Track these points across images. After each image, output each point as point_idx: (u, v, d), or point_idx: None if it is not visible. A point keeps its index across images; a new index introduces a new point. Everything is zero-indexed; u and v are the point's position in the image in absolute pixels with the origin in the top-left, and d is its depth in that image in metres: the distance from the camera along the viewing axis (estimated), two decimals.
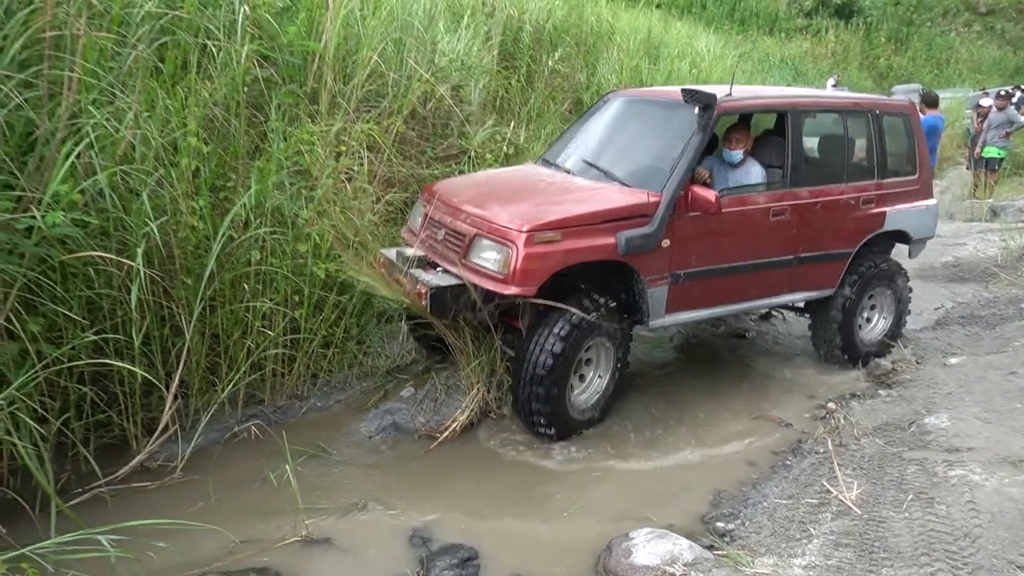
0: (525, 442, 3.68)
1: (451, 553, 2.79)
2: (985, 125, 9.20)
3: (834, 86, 23.16)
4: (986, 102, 9.56)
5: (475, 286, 3.47)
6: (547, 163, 4.52)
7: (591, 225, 3.51)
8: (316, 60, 4.86)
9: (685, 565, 2.47)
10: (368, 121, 5.11)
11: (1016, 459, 3.02)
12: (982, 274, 6.55)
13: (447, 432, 3.72)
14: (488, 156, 6.17)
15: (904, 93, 21.46)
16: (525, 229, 3.35)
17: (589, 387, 3.81)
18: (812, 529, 2.68)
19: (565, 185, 3.98)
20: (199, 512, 2.99)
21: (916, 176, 4.69)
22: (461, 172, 5.82)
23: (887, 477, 3.09)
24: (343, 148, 4.63)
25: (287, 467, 3.04)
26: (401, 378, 4.34)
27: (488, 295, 3.47)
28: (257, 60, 4.41)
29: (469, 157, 6.04)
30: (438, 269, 3.72)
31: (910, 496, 2.85)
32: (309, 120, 4.68)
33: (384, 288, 3.83)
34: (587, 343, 3.61)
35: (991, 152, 9.13)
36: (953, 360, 4.65)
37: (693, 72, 11.29)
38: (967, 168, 9.89)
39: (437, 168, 5.94)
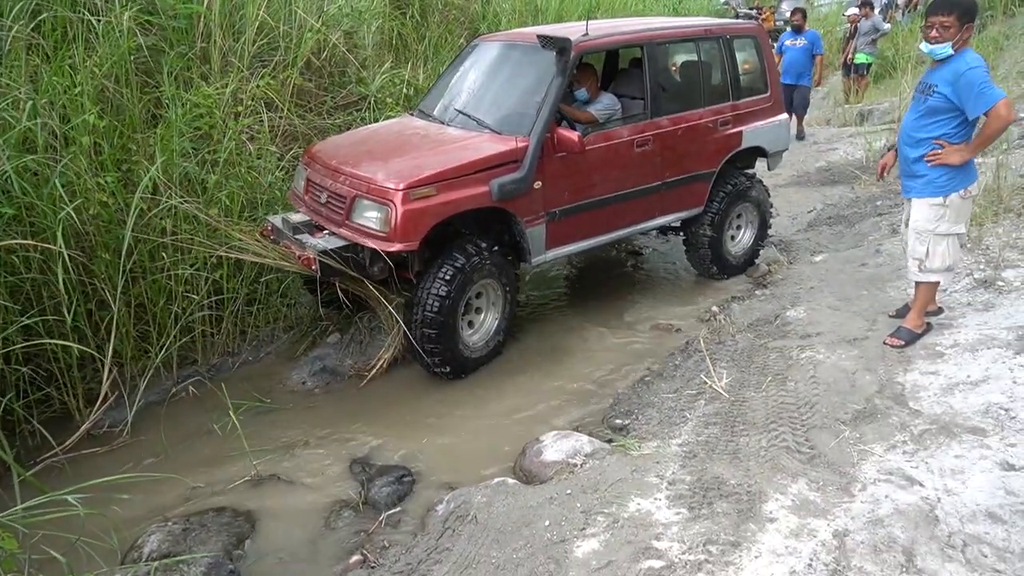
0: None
1: (388, 473, 3.19)
2: (854, 33, 9.87)
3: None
4: (852, 11, 10.19)
5: (361, 246, 3.67)
6: (422, 113, 4.66)
7: (465, 176, 3.70)
8: (202, 20, 4.84)
9: (585, 456, 2.95)
10: (263, 77, 5.15)
11: (852, 338, 3.63)
12: (849, 176, 7.25)
13: (375, 370, 4.06)
14: (389, 100, 6.25)
15: (791, 3, 22.21)
16: (401, 187, 3.52)
17: (482, 327, 4.13)
18: (689, 415, 3.21)
19: (438, 137, 4.14)
20: (152, 467, 3.27)
21: (768, 94, 5.12)
22: (363, 120, 5.92)
23: (753, 365, 3.65)
24: (240, 108, 4.71)
25: (231, 416, 3.32)
26: (326, 325, 4.62)
27: (375, 253, 3.67)
28: (140, 27, 4.40)
29: (370, 103, 6.14)
30: (324, 232, 3.88)
31: (769, 378, 3.42)
32: (203, 82, 4.72)
33: (275, 256, 3.93)
34: (474, 285, 3.91)
35: (860, 58, 9.83)
36: (818, 258, 5.29)
37: None
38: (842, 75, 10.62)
39: (339, 117, 6.02)
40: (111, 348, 3.51)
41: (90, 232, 3.66)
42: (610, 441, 3.24)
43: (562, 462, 2.96)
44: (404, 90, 6.42)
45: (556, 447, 3.08)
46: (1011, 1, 10.40)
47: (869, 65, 9.95)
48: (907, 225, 3.48)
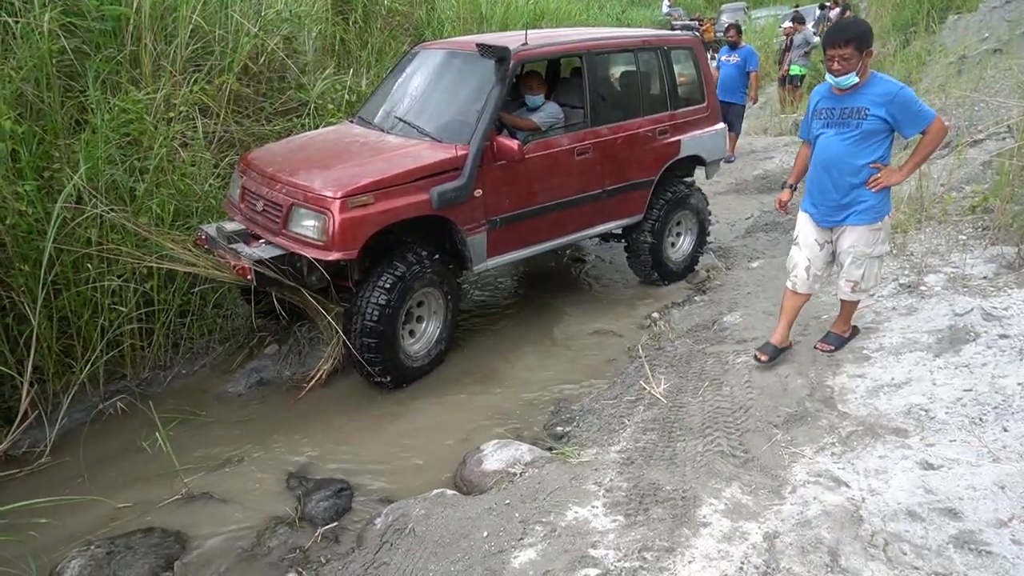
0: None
1: (325, 487, 3.12)
2: (790, 45, 10.22)
3: (668, 8, 24.21)
4: (787, 24, 10.55)
5: (298, 255, 3.59)
6: (362, 120, 4.62)
7: (404, 184, 3.67)
8: (131, 22, 4.68)
9: (525, 464, 2.95)
10: (197, 82, 5.01)
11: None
12: (784, 184, 7.47)
13: (313, 381, 3.97)
14: (330, 106, 6.17)
15: (731, 11, 22.88)
16: (339, 195, 3.47)
17: (423, 336, 4.10)
18: (628, 421, 3.25)
19: (377, 145, 4.08)
20: (75, 489, 3.12)
21: (704, 104, 5.24)
22: (303, 126, 5.82)
23: (691, 370, 3.72)
24: (172, 114, 4.57)
25: (158, 433, 3.20)
26: (263, 336, 4.51)
27: (313, 262, 3.59)
28: (63, 29, 4.23)
29: (310, 109, 6.04)
30: (261, 241, 3.80)
31: (706, 383, 3.49)
32: (133, 87, 4.56)
33: (208, 266, 3.85)
34: (414, 293, 3.87)
35: (794, 70, 10.17)
36: (754, 264, 5.43)
37: (530, 4, 11.52)
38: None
39: (278, 123, 5.91)
40: (30, 364, 3.36)
41: (6, 243, 3.49)
42: (551, 449, 3.25)
43: (502, 471, 2.95)
44: (346, 96, 6.34)
45: (496, 456, 3.07)
46: (932, 18, 10.92)
47: (803, 77, 10.29)
48: (815, 246, 3.42)
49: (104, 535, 2.82)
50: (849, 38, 3.01)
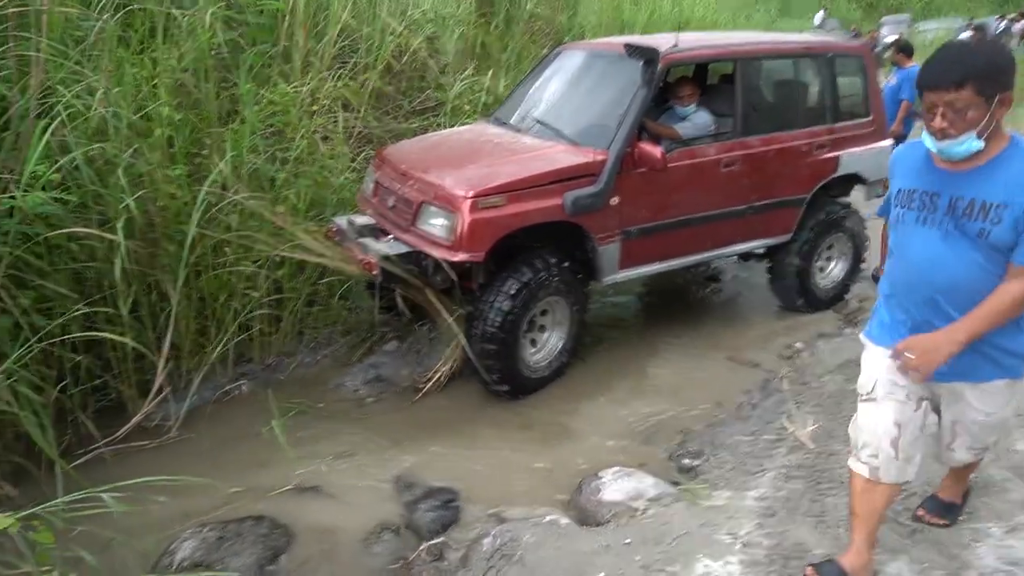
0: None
1: (434, 495, 2.99)
2: None
3: (822, 18, 22.80)
4: (965, 35, 9.49)
5: (425, 254, 3.53)
6: (498, 121, 4.50)
7: (537, 187, 3.53)
8: (286, 19, 4.84)
9: (648, 500, 2.67)
10: (342, 78, 5.11)
11: None
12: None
13: (430, 383, 3.88)
14: (467, 107, 6.17)
15: (893, 24, 21.20)
16: (470, 195, 3.37)
17: (545, 345, 3.91)
18: (767, 464, 2.89)
19: (512, 146, 3.97)
20: (196, 467, 3.14)
21: (870, 118, 4.72)
22: (439, 125, 5.84)
23: (842, 413, 3.28)
24: (315, 107, 4.66)
25: (274, 423, 3.20)
26: (385, 331, 4.50)
27: (439, 262, 3.52)
28: (224, 23, 4.41)
29: (447, 110, 6.05)
30: (389, 237, 3.77)
31: None
32: (282, 80, 4.70)
33: (337, 258, 3.84)
34: (539, 301, 3.69)
35: None
36: None
37: (675, 11, 11.15)
38: None
39: (415, 122, 5.97)
40: (168, 342, 3.47)
41: (157, 224, 3.64)
42: (676, 484, 2.96)
43: (622, 504, 2.69)
44: (483, 98, 6.32)
45: (616, 486, 2.82)
46: None
47: None
48: (906, 405, 2.06)
49: (217, 518, 2.82)
50: (966, 72, 1.73)
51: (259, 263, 3.92)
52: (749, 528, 2.39)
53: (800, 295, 4.77)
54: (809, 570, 2.14)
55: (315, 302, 4.35)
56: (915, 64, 7.59)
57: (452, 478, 3.15)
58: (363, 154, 5.14)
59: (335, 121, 5.00)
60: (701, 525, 2.44)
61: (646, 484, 2.79)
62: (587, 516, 2.77)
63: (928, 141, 1.84)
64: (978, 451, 2.18)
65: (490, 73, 6.55)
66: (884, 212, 2.18)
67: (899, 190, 2.00)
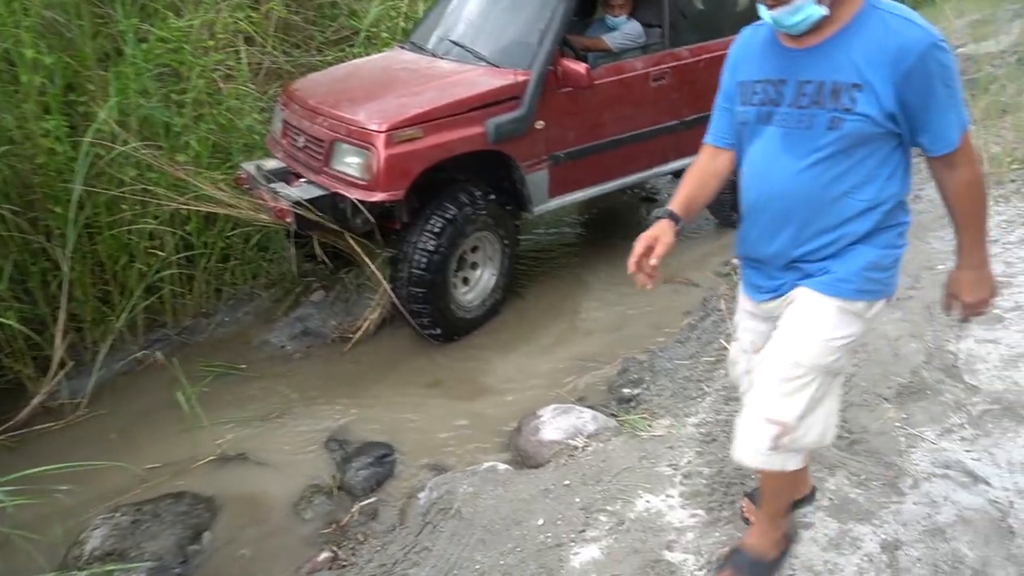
0: None
1: (367, 452, 2.85)
2: None
3: None
4: None
5: (341, 196, 3.29)
6: (414, 46, 4.21)
7: (456, 115, 3.32)
8: None
9: (588, 437, 2.59)
10: (241, 8, 4.67)
11: (893, 297, 3.19)
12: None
13: (360, 332, 3.69)
14: (384, 35, 5.77)
15: None
16: (384, 129, 3.15)
17: (478, 284, 3.74)
18: (706, 387, 2.83)
19: (428, 72, 3.72)
20: (110, 445, 2.96)
21: None
22: (357, 56, 5.44)
23: None
24: (211, 43, 4.24)
25: (192, 389, 2.98)
26: (310, 281, 4.25)
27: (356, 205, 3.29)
28: None
29: (364, 38, 5.64)
30: (302, 180, 3.50)
31: None
32: (172, 15, 4.24)
33: (246, 207, 3.59)
34: (467, 238, 3.52)
35: None
36: None
37: None
38: None
39: (329, 54, 5.56)
40: (63, 312, 3.18)
41: (35, 184, 3.27)
42: (615, 416, 2.89)
43: (561, 443, 2.60)
44: (402, 24, 5.91)
45: (555, 424, 2.72)
46: None
47: None
48: (753, 349, 1.78)
49: (133, 499, 2.63)
50: None
51: (161, 219, 3.60)
52: (690, 457, 2.33)
53: (734, 209, 4.68)
54: (745, 501, 2.03)
55: (231, 256, 4.06)
56: None
57: (387, 431, 3.02)
58: (273, 92, 4.75)
59: (239, 58, 4.60)
60: (641, 458, 2.37)
61: (584, 419, 2.70)
62: (527, 458, 2.68)
63: (763, 11, 1.46)
64: (777, 431, 1.57)
65: None
66: (715, 133, 1.74)
67: (739, 83, 1.61)
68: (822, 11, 1.41)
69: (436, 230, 3.37)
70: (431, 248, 3.35)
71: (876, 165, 1.48)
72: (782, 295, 1.64)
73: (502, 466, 2.53)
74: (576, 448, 2.52)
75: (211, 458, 2.86)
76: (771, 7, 1.43)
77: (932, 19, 1.59)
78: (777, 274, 1.64)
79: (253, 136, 4.35)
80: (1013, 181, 4.17)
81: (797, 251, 1.57)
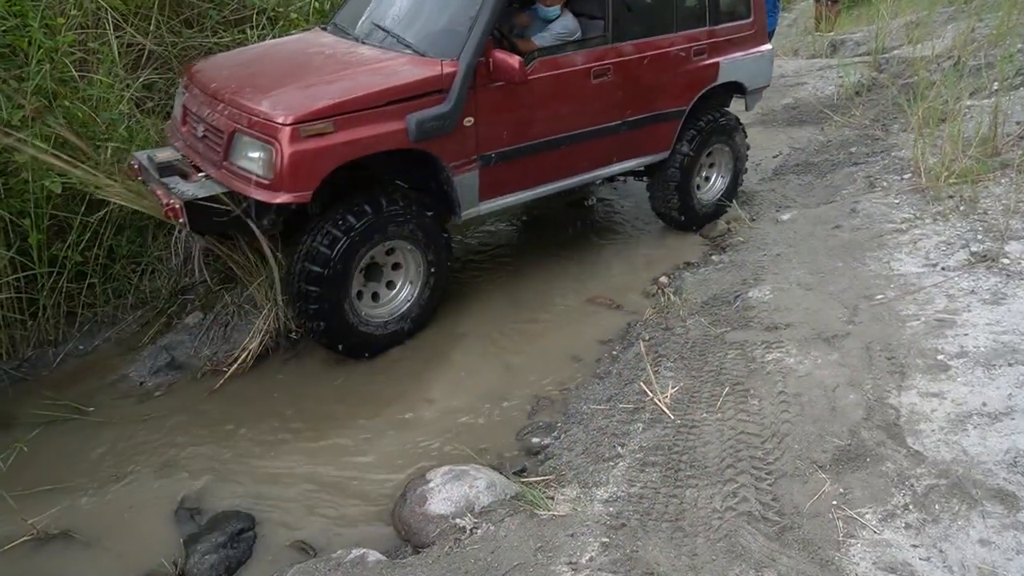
0: (325, 367, 3.25)
1: (222, 527, 2.37)
2: None
3: None
4: None
5: (241, 195, 2.88)
6: (336, 28, 3.80)
7: (372, 108, 2.93)
8: None
9: (479, 514, 2.19)
10: None
11: (830, 334, 2.89)
12: (818, 116, 6.44)
13: (235, 366, 3.20)
14: (294, 15, 5.20)
15: None
16: (289, 121, 2.76)
17: (397, 297, 3.37)
18: (621, 448, 2.46)
19: (346, 58, 3.32)
20: None
21: (750, 19, 4.27)
22: (261, 38, 4.87)
23: (707, 367, 2.90)
24: (61, 20, 3.62)
25: (17, 443, 2.45)
26: (187, 300, 3.71)
27: (261, 204, 2.90)
28: None
29: (268, 18, 5.06)
30: (201, 175, 3.06)
31: (725, 390, 2.67)
32: None
33: (140, 202, 3.18)
34: (374, 247, 3.13)
35: None
36: (785, 216, 4.52)
37: None
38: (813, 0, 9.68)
39: (226, 36, 4.95)
40: None
41: None
42: (522, 471, 2.51)
43: (448, 521, 2.19)
44: (315, 4, 5.35)
45: (444, 493, 2.31)
46: None
47: None
48: None
49: None
50: None
51: None
52: (593, 551, 1.95)
53: (681, 212, 4.42)
54: None
55: (86, 273, 3.48)
56: None
57: (252, 496, 2.55)
58: (143, 77, 4.15)
59: (105, 40, 3.98)
60: (537, 550, 1.97)
61: (478, 489, 2.29)
62: (411, 534, 2.26)
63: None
64: None
65: None
66: None
67: None
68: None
69: (328, 241, 2.98)
70: (324, 260, 2.98)
71: None
72: None
73: (372, 556, 2.10)
74: (463, 531, 2.11)
75: (24, 539, 2.33)
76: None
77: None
78: None
79: (122, 132, 3.76)
80: (951, 197, 3.94)
81: None
